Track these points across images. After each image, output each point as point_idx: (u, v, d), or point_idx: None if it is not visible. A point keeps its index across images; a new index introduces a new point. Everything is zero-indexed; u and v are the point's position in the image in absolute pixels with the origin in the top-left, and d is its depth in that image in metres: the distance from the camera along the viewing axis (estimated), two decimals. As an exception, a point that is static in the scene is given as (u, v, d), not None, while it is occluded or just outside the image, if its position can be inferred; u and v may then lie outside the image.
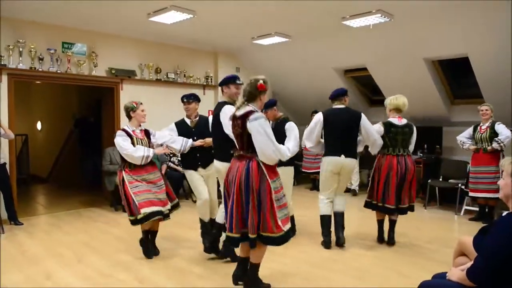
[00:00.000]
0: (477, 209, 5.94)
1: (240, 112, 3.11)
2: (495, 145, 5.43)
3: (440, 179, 6.71)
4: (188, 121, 4.52)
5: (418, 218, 5.93)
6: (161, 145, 4.36)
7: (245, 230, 3.09)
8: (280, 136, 4.09)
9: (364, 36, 6.46)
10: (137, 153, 4.00)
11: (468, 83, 6.71)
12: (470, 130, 5.81)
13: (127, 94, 6.98)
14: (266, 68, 8.78)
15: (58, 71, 6.23)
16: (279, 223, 3.05)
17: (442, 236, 5.02)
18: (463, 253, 2.44)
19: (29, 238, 5.05)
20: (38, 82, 8.13)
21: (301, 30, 6.60)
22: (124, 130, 4.14)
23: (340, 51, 7.20)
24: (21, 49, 5.88)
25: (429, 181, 6.56)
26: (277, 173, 3.17)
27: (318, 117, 4.54)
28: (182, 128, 4.47)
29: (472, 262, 2.09)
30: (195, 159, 4.38)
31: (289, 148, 3.47)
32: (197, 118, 4.56)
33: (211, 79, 8.36)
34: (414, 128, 4.62)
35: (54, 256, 4.34)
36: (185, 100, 4.51)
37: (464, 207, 6.17)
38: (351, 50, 7.05)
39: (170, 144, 4.30)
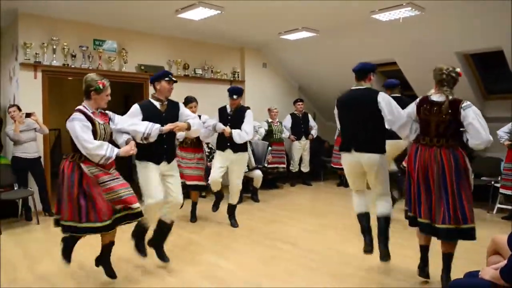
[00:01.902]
0: (510, 207, 5.76)
1: (440, 98, 3.12)
2: None
3: (472, 176, 6.52)
4: (157, 104, 3.74)
5: (449, 216, 5.79)
6: (124, 134, 3.50)
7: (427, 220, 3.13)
8: (239, 121, 4.93)
9: (393, 30, 6.34)
10: (99, 150, 3.16)
11: (502, 78, 6.49)
12: (510, 125, 5.63)
13: (155, 89, 7.09)
14: (293, 63, 8.76)
15: (90, 68, 6.40)
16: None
17: (473, 235, 4.88)
18: (497, 252, 2.38)
19: (62, 230, 5.22)
20: (70, 78, 8.36)
21: (328, 24, 6.54)
22: (82, 112, 3.24)
23: (368, 46, 7.08)
24: (54, 47, 6.06)
25: (460, 178, 6.40)
26: None
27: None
28: (149, 112, 3.67)
29: (506, 261, 2.04)
30: (161, 150, 3.70)
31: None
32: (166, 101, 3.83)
33: (238, 74, 8.40)
34: None
35: (86, 247, 4.46)
36: (168, 79, 3.72)
37: (497, 205, 5.98)
38: (380, 45, 6.93)
39: (131, 128, 3.48)
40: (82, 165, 3.16)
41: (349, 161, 3.62)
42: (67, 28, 6.22)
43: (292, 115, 8.17)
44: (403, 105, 3.77)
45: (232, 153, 5.00)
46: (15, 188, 5.55)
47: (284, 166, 7.81)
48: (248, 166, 6.65)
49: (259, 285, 3.47)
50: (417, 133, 3.30)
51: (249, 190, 7.02)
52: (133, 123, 3.53)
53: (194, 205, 5.65)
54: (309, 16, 6.12)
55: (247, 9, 5.72)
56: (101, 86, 3.24)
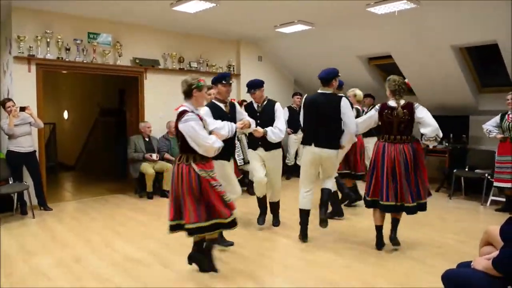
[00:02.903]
0: (504, 199, 5.81)
1: (395, 104, 3.85)
2: None
3: (466, 169, 6.58)
4: (222, 105, 4.11)
5: (443, 208, 5.84)
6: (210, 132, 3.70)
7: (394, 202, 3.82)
8: (269, 118, 4.64)
9: (389, 23, 6.34)
10: (217, 144, 3.31)
11: (497, 71, 6.52)
12: (497, 119, 5.70)
13: (151, 83, 7.09)
14: (288, 56, 8.75)
15: (84, 61, 6.37)
16: None
17: (467, 227, 4.94)
18: (490, 243, 2.41)
19: (58, 223, 5.23)
20: (64, 71, 8.31)
21: (324, 17, 6.53)
22: (192, 111, 3.29)
23: (364, 39, 7.08)
24: (48, 40, 6.02)
25: (454, 171, 6.45)
26: None
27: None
28: (218, 114, 4.01)
29: (498, 252, 2.07)
30: (231, 149, 4.21)
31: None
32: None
33: (234, 68, 8.39)
34: None
35: (83, 241, 4.49)
36: (225, 81, 4.07)
37: (491, 197, 6.03)
38: (375, 38, 6.93)
39: (218, 130, 3.70)
40: (196, 169, 3.25)
41: (311, 154, 4.22)
42: (61, 21, 6.17)
43: (289, 108, 8.16)
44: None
45: (264, 151, 4.69)
46: (10, 182, 5.53)
47: None
48: (243, 159, 6.67)
49: (256, 277, 3.49)
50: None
51: (245, 184, 7.04)
52: (216, 126, 3.73)
53: None
54: (304, 9, 6.09)
55: (242, 1, 5.69)
56: (202, 82, 3.32)
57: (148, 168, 6.61)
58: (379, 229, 4.08)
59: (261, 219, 4.98)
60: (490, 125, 5.73)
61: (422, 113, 3.83)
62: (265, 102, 4.77)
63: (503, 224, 2.14)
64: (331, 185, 4.45)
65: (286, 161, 8.19)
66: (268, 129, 4.55)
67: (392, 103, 3.88)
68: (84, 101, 10.60)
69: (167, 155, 6.90)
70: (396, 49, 6.96)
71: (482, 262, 2.12)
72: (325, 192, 4.38)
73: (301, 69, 8.93)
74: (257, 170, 4.76)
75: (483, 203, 6.04)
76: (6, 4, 5.67)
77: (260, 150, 4.71)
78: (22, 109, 5.50)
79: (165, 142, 7.04)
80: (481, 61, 6.74)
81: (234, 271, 3.64)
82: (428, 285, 3.23)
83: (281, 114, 4.72)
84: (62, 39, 6.12)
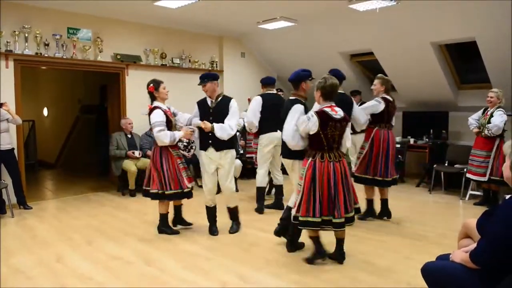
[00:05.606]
0: (481, 193, 5.95)
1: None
2: (485, 131, 5.48)
3: (446, 164, 6.71)
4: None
5: (423, 202, 5.95)
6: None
7: None
8: (223, 115, 4.37)
9: (370, 20, 6.40)
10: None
11: (475, 68, 6.65)
12: (479, 113, 5.79)
13: (132, 79, 7.00)
14: (271, 53, 8.75)
15: (64, 57, 6.25)
16: None
17: (446, 220, 5.04)
18: (468, 236, 2.46)
19: (39, 222, 5.14)
20: (43, 67, 8.15)
21: (307, 14, 6.55)
22: None
23: (346, 36, 7.13)
24: (26, 35, 5.89)
25: (434, 166, 6.56)
26: None
27: None
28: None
29: (475, 244, 2.12)
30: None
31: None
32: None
33: (217, 64, 8.34)
34: None
35: (64, 239, 4.42)
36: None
37: (469, 192, 6.16)
38: (357, 34, 6.98)
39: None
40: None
41: None
42: (40, 15, 6.04)
43: (271, 104, 8.16)
44: (282, 103, 4.29)
45: (215, 152, 4.37)
46: (-12, 181, 5.42)
47: None
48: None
49: (239, 272, 3.50)
50: None
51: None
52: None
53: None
54: (287, 6, 6.10)
55: (225, -3, 5.67)
56: None
57: (130, 166, 6.55)
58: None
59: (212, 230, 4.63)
60: (473, 119, 5.82)
61: None
62: (219, 98, 4.46)
63: (479, 217, 2.19)
64: None
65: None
66: (217, 125, 4.29)
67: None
68: (64, 97, 10.41)
69: (149, 152, 6.83)
70: (377, 46, 7.03)
71: (460, 254, 2.16)
72: None
73: (284, 65, 8.94)
74: (205, 180, 4.50)
75: (462, 197, 6.17)
76: (-18, -2, 5.53)
77: (211, 151, 4.39)
78: (-1, 105, 5.39)
79: (147, 139, 6.96)
80: (460, 58, 6.87)
81: (215, 265, 3.64)
82: (409, 277, 3.29)
83: (235, 112, 4.42)
84: (40, 34, 5.99)
